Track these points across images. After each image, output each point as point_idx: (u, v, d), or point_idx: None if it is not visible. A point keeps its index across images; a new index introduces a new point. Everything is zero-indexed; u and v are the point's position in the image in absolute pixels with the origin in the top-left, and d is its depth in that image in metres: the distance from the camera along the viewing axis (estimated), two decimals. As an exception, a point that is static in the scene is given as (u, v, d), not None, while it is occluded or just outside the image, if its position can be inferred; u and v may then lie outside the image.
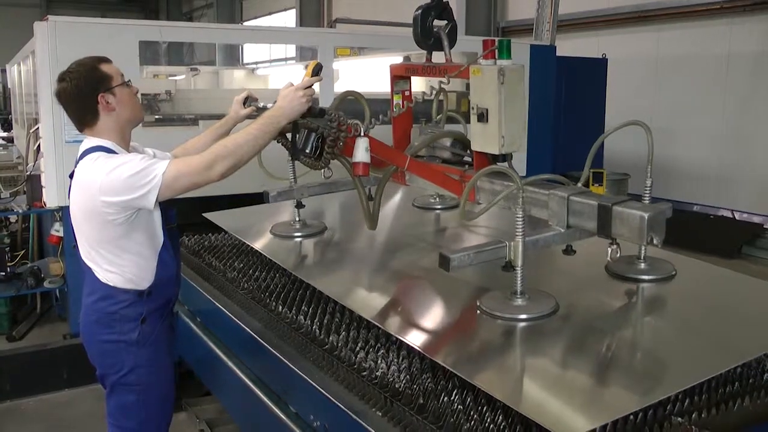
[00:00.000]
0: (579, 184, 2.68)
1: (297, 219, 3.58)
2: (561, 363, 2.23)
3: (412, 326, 2.56)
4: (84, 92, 2.54)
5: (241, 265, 3.59)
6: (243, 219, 3.94)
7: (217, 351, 3.29)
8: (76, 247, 2.65)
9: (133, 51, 4.24)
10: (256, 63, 13.80)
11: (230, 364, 3.15)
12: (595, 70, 7.00)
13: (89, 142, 2.59)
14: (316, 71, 2.63)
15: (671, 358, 2.26)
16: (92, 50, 3.81)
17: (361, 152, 2.64)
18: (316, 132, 2.64)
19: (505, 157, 2.79)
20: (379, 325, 2.52)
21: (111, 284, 2.58)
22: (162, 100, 7.59)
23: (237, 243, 3.91)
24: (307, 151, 2.67)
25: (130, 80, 2.65)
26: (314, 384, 2.47)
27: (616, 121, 2.84)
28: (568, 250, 2.68)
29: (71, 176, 2.63)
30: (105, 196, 2.42)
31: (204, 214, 3.92)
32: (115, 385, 2.67)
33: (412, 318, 2.63)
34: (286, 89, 2.64)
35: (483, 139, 2.75)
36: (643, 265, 2.82)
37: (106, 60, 2.64)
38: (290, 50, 12.34)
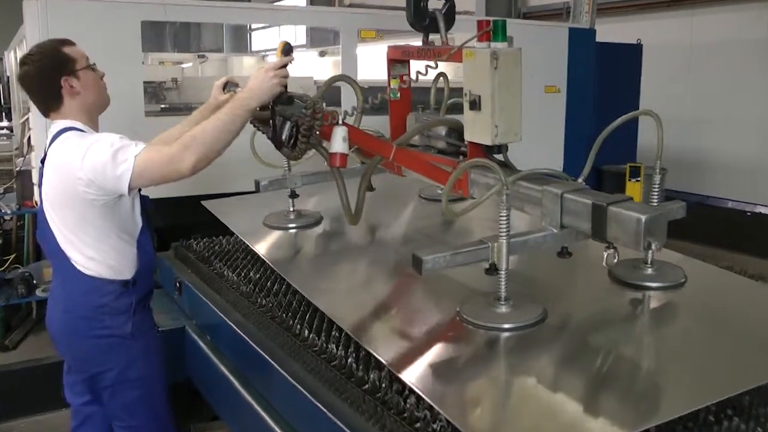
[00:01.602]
0: (580, 180, 2.44)
1: (291, 209, 3.41)
2: (542, 382, 1.99)
3: (387, 337, 2.33)
4: (46, 75, 2.45)
5: (258, 275, 3.13)
6: (238, 207, 3.77)
7: (230, 376, 2.83)
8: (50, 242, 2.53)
9: (134, 32, 4.02)
10: (266, 50, 13.46)
11: (245, 394, 2.67)
12: (629, 56, 6.64)
13: (58, 124, 2.49)
14: (286, 51, 2.44)
15: (670, 378, 2.01)
16: (89, 31, 3.70)
17: (338, 142, 2.45)
18: (291, 120, 2.45)
19: (500, 149, 2.57)
20: (351, 334, 2.32)
21: (96, 276, 2.48)
22: (168, 89, 7.40)
23: (252, 249, 3.38)
24: (282, 140, 2.49)
25: (95, 63, 2.54)
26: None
27: (655, 111, 2.60)
28: (563, 253, 2.45)
29: (42, 162, 2.53)
30: (84, 175, 2.32)
31: (203, 203, 3.78)
32: (115, 384, 2.57)
33: (389, 326, 2.41)
34: (260, 69, 2.48)
35: (476, 128, 2.53)
36: (649, 270, 2.56)
37: (69, 42, 2.53)
38: (300, 37, 11.90)
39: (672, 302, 2.48)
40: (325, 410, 2.12)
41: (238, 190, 3.96)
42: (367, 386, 2.14)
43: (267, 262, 3.07)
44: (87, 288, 2.48)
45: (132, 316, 2.52)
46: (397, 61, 3.05)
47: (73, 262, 2.48)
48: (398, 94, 3.03)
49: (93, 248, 2.45)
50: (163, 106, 6.54)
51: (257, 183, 3.32)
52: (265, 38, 15.11)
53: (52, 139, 2.48)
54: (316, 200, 3.58)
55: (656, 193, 2.52)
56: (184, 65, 8.01)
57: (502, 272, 2.22)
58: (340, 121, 2.46)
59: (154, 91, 7.01)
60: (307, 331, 2.50)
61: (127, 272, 2.51)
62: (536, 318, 2.23)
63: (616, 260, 2.32)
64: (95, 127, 2.56)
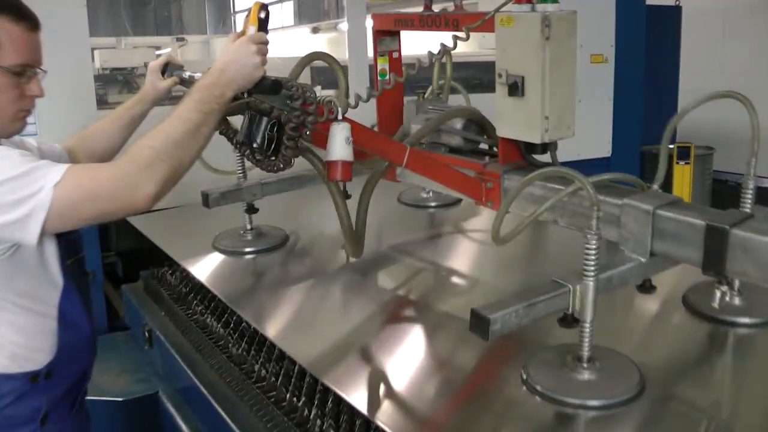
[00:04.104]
0: (655, 187, 1.82)
1: (249, 227, 2.67)
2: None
3: (421, 415, 1.66)
4: None
5: (253, 327, 2.23)
6: (179, 225, 2.99)
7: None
8: None
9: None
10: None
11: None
12: (666, 20, 5.77)
13: None
14: (263, 17, 1.69)
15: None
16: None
17: (339, 145, 1.72)
18: (270, 115, 1.73)
19: (547, 148, 1.93)
20: (366, 415, 1.62)
21: None
22: (141, 75, 6.38)
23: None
24: (257, 144, 1.75)
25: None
26: None
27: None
28: (646, 286, 1.85)
29: None
30: None
31: (129, 219, 2.97)
32: None
33: (422, 397, 1.72)
34: (231, 43, 1.70)
35: (516, 120, 1.90)
36: (737, 300, 1.98)
37: None
38: (288, 16, 10.82)
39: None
40: None
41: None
42: None
43: (221, 299, 2.34)
44: None
45: (40, 427, 1.68)
46: (386, 33, 2.36)
47: None
48: (388, 77, 2.33)
49: None
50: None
51: (205, 196, 2.56)
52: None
53: None
54: (277, 212, 2.84)
55: (749, 197, 1.90)
56: (161, 52, 6.93)
57: (587, 324, 1.58)
58: (340, 115, 1.74)
59: (125, 79, 6.05)
60: (320, 423, 1.72)
61: (38, 358, 1.67)
62: (635, 389, 1.59)
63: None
64: None
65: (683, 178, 4.76)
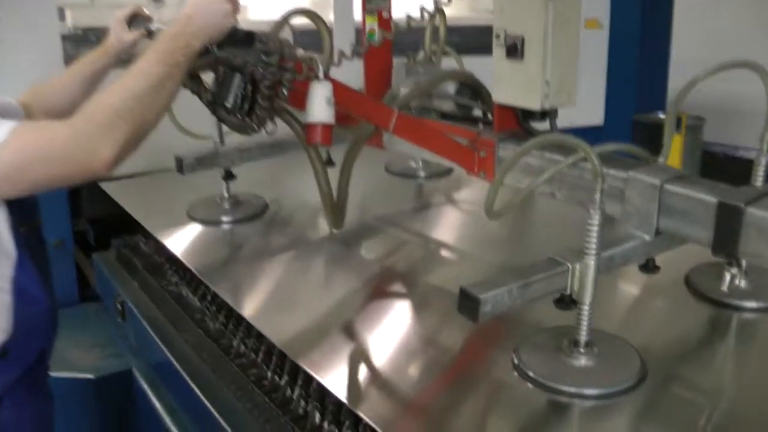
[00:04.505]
0: (661, 160, 1.69)
1: (226, 195, 2.53)
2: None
3: (406, 404, 1.53)
4: None
5: None
6: (153, 192, 2.84)
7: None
8: None
9: None
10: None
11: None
12: None
13: None
14: None
15: None
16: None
17: (320, 106, 1.58)
18: (244, 72, 1.57)
19: (546, 115, 1.80)
20: (360, 414, 1.50)
21: None
22: None
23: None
24: (229, 103, 1.60)
25: None
26: None
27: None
28: (650, 266, 1.72)
29: None
30: None
31: (101, 185, 2.82)
32: None
33: (408, 382, 1.60)
34: None
35: (513, 84, 1.76)
36: (743, 283, 1.85)
37: None
38: None
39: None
40: None
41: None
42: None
43: (195, 273, 2.20)
44: None
45: None
46: (376, -10, 2.21)
47: None
48: (376, 37, 2.18)
49: None
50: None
51: (179, 161, 2.41)
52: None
53: None
54: (257, 180, 2.70)
55: (761, 174, 1.77)
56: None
57: (586, 306, 1.46)
58: (321, 73, 1.60)
59: (98, 40, 5.79)
60: (318, 415, 1.58)
61: None
62: (635, 377, 1.47)
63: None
64: None
65: (674, 148, 4.60)
